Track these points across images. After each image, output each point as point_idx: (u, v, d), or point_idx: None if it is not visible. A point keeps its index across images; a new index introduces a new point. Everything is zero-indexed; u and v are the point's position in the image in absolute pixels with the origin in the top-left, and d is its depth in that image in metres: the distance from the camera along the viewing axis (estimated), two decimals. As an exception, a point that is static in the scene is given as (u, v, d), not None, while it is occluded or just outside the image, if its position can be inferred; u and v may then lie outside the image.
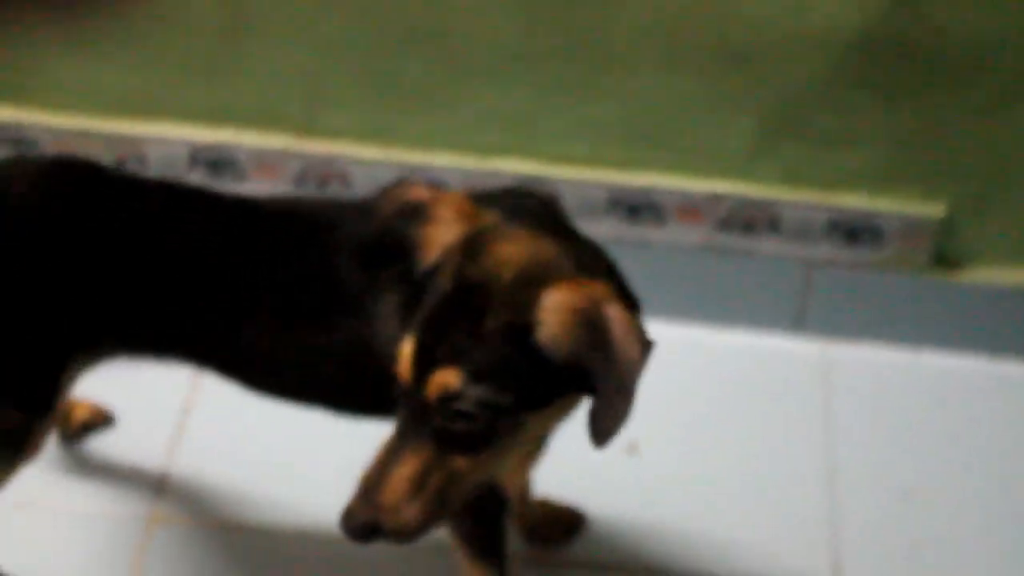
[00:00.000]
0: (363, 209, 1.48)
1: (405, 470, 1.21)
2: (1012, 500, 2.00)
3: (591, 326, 1.16)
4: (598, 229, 2.03)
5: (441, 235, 1.27)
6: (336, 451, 1.83)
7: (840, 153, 2.01)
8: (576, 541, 1.93)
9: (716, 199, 2.07)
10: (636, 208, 2.10)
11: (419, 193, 1.31)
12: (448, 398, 1.18)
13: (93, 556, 1.89)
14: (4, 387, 1.52)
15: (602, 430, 1.17)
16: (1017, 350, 2.18)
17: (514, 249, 1.22)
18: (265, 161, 2.14)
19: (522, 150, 2.08)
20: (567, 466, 1.80)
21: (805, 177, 2.05)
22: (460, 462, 1.22)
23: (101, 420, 2.05)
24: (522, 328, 1.17)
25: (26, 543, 1.89)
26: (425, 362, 1.19)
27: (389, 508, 1.20)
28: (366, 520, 1.21)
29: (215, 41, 2.02)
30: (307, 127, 2.11)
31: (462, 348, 1.17)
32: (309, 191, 2.15)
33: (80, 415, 2.02)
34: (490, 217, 1.29)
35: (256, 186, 2.15)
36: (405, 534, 1.22)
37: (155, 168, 2.16)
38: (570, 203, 2.04)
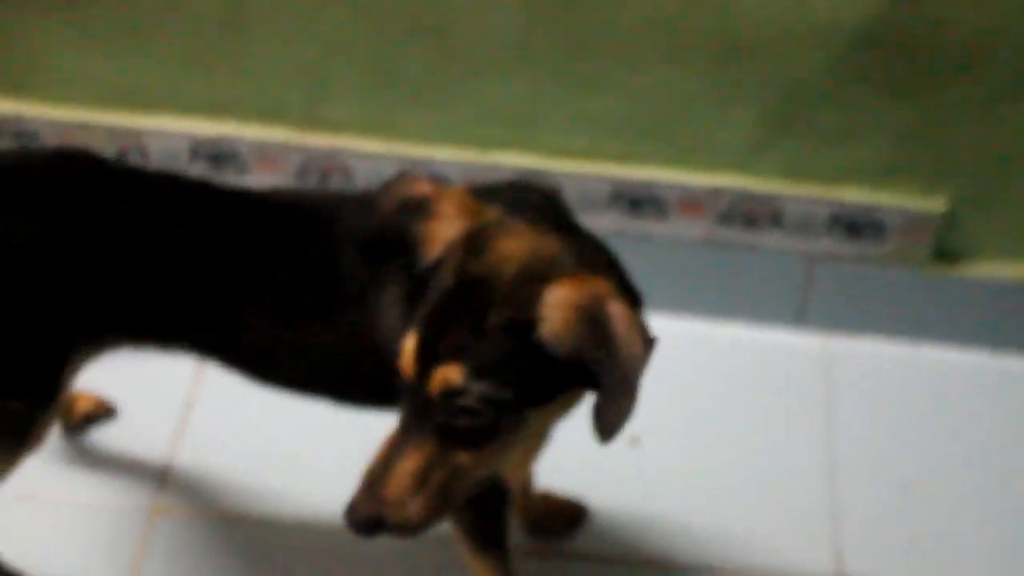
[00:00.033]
0: (366, 201, 1.48)
1: (408, 465, 1.21)
2: (1012, 494, 2.00)
3: (593, 322, 1.16)
4: (599, 222, 2.03)
5: (443, 230, 1.27)
6: (338, 443, 1.83)
7: (842, 147, 2.01)
8: (578, 534, 1.93)
9: (718, 193, 2.07)
10: (637, 202, 2.10)
11: (421, 188, 1.31)
12: (451, 394, 1.18)
13: (95, 548, 1.90)
14: (7, 378, 1.52)
15: (607, 426, 1.17)
16: (1018, 344, 2.18)
17: (516, 245, 1.22)
18: (266, 154, 2.14)
19: (523, 144, 2.08)
20: (569, 459, 1.80)
21: (807, 171, 2.05)
22: (463, 457, 1.22)
23: (103, 412, 2.05)
24: (524, 324, 1.17)
25: (28, 535, 1.90)
26: (428, 358, 1.20)
27: (393, 503, 1.21)
28: (370, 515, 1.21)
29: (217, 34, 2.02)
30: (309, 120, 2.11)
31: (464, 344, 1.18)
32: (311, 184, 2.16)
33: (82, 407, 2.03)
34: (492, 212, 1.29)
35: (257, 179, 2.15)
36: (409, 529, 1.22)
37: (156, 161, 2.16)
38: (571, 196, 2.04)
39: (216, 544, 1.91)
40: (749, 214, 2.09)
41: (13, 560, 1.83)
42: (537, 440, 1.46)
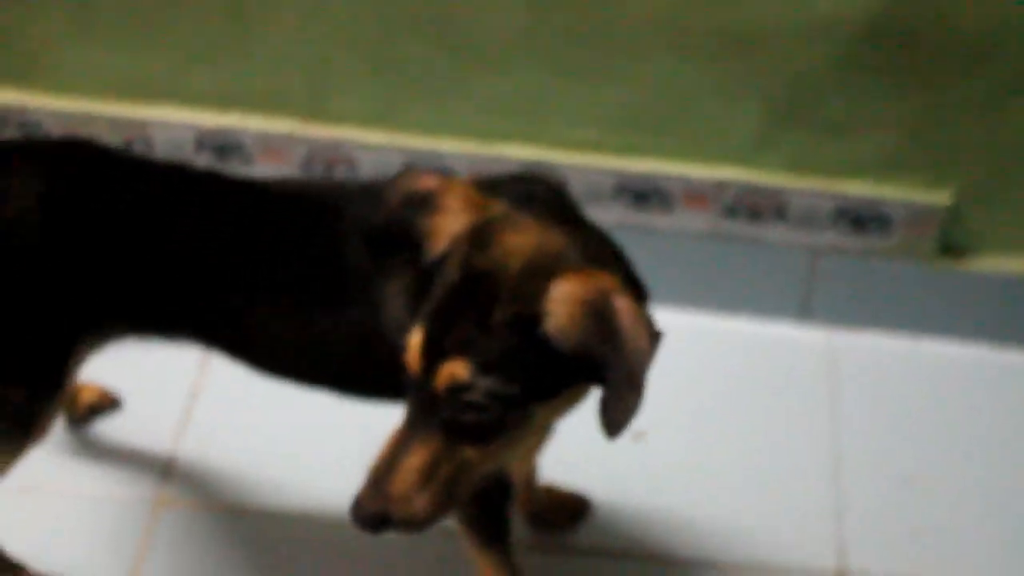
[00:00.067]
0: (372, 192, 1.47)
1: (414, 461, 1.21)
2: (1014, 488, 2.00)
3: (599, 317, 1.16)
4: (604, 215, 2.03)
5: (449, 225, 1.27)
6: (342, 436, 1.84)
7: (846, 141, 2.01)
8: (581, 527, 1.93)
9: (722, 186, 2.07)
10: (642, 194, 2.10)
11: (427, 182, 1.31)
12: (457, 389, 1.18)
13: (99, 539, 1.90)
14: (12, 368, 1.52)
15: (613, 421, 1.17)
16: (1022, 339, 2.18)
17: (522, 239, 1.22)
18: (271, 145, 2.13)
19: (528, 136, 2.08)
20: (572, 453, 1.80)
21: (811, 165, 2.04)
22: (469, 453, 1.22)
23: (108, 403, 2.05)
24: (530, 319, 1.17)
25: (33, 526, 1.90)
26: (433, 353, 1.19)
27: (399, 499, 1.21)
28: (376, 511, 1.21)
29: (222, 25, 2.02)
30: (313, 112, 2.11)
31: (470, 339, 1.17)
32: (316, 175, 2.15)
33: (87, 398, 2.03)
34: (498, 206, 1.29)
35: (262, 170, 2.15)
36: (414, 524, 1.22)
37: (161, 152, 2.16)
38: (576, 189, 2.04)
39: (220, 536, 1.91)
40: (754, 207, 2.08)
41: (17, 551, 1.83)
42: (542, 434, 1.46)
